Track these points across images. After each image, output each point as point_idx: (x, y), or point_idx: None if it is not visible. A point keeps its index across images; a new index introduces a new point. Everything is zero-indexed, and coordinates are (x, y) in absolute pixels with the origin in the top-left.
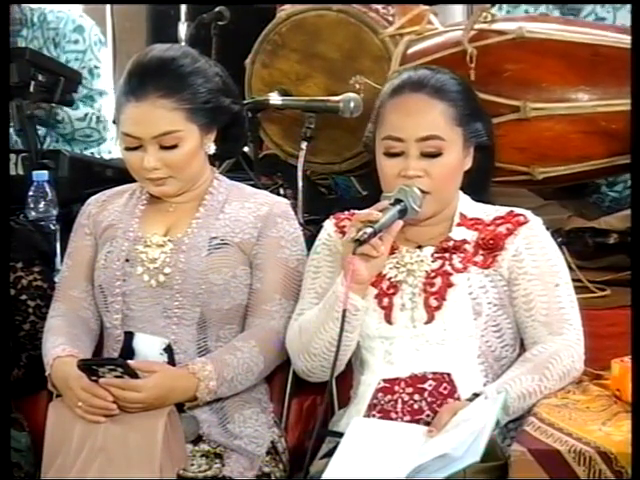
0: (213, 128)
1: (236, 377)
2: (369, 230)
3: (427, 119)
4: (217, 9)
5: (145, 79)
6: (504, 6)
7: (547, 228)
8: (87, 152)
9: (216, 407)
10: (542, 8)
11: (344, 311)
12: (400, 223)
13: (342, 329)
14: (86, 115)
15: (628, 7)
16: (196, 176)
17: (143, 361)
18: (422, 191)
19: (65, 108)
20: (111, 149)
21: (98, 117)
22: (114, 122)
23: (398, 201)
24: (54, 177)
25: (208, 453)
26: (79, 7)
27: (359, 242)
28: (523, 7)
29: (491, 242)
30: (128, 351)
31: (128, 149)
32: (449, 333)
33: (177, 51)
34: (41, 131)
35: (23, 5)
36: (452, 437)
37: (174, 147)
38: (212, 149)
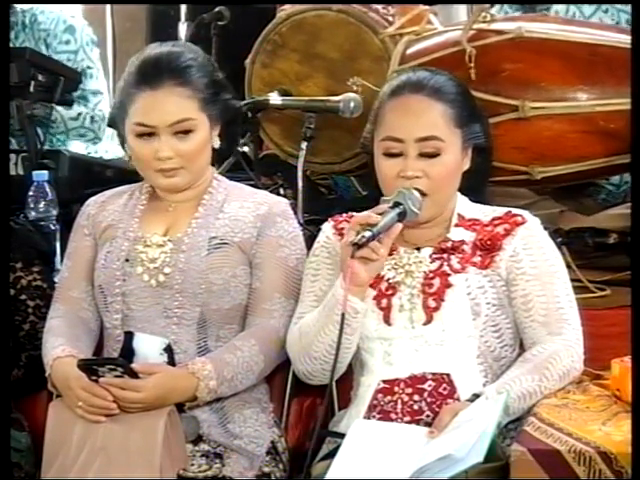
0: (218, 122)
1: (236, 376)
2: (368, 234)
3: (426, 120)
4: (217, 9)
5: (160, 68)
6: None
7: (545, 228)
8: (87, 152)
9: (216, 407)
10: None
11: (343, 315)
12: (399, 226)
13: (341, 332)
14: (79, 115)
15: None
16: (202, 170)
17: (143, 364)
18: (421, 192)
19: (58, 107)
20: (108, 149)
21: (92, 117)
22: (109, 125)
23: (397, 204)
24: (54, 177)
25: (208, 453)
26: (71, 7)
27: (358, 245)
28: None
29: (489, 243)
30: (128, 351)
31: (140, 138)
32: (448, 334)
33: (182, 47)
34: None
35: (14, 6)
36: (454, 438)
37: (188, 136)
38: (217, 143)
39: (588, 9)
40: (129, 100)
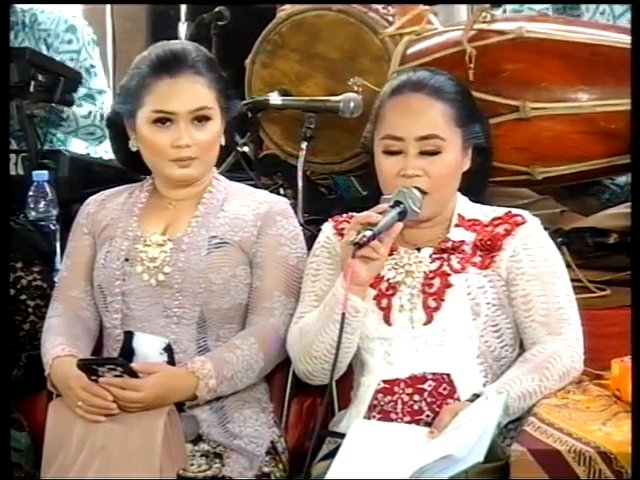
0: (225, 117)
1: (236, 375)
2: (368, 233)
3: (427, 118)
4: (217, 9)
5: (178, 59)
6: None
7: (546, 228)
8: (86, 152)
9: (216, 406)
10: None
11: (343, 314)
12: (400, 225)
13: (342, 332)
14: (90, 113)
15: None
16: (212, 164)
17: (143, 363)
18: (421, 191)
19: (72, 106)
20: (108, 149)
21: (102, 115)
22: (108, 125)
23: (398, 203)
24: (54, 177)
25: (208, 453)
26: (71, 7)
27: (358, 245)
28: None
29: (489, 243)
30: (128, 351)
31: (156, 126)
32: (448, 334)
33: (191, 45)
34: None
35: (14, 6)
36: (454, 438)
37: (205, 125)
38: (223, 140)
39: (619, 8)
40: (145, 90)
